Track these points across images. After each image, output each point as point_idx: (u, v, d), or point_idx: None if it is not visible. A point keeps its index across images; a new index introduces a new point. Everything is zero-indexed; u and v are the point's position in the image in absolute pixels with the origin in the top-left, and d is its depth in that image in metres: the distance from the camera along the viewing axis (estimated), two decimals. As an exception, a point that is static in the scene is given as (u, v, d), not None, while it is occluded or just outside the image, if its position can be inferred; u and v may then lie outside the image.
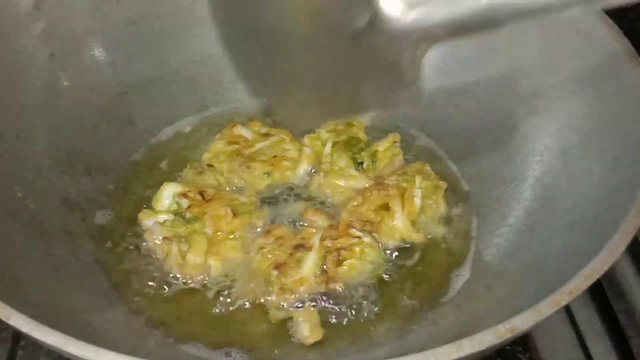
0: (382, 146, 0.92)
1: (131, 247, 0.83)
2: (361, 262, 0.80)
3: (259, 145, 0.91)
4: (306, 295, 0.78)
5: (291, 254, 0.79)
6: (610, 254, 0.59)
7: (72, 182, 0.86)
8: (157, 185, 0.88)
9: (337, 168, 0.89)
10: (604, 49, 0.78)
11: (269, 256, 0.79)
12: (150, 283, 0.80)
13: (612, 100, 0.77)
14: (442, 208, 0.88)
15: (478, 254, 0.84)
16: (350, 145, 0.91)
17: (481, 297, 0.78)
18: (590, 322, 0.84)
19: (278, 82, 0.83)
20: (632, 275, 0.88)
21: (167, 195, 0.84)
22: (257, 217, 0.85)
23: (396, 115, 1.00)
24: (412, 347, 0.73)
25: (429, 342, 0.68)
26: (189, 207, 0.83)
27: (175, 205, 0.83)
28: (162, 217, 0.82)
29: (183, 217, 0.82)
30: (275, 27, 0.74)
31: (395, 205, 0.84)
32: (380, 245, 0.83)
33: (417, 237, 0.84)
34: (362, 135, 0.94)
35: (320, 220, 0.85)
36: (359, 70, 0.71)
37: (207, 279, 0.80)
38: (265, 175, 0.89)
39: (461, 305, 0.78)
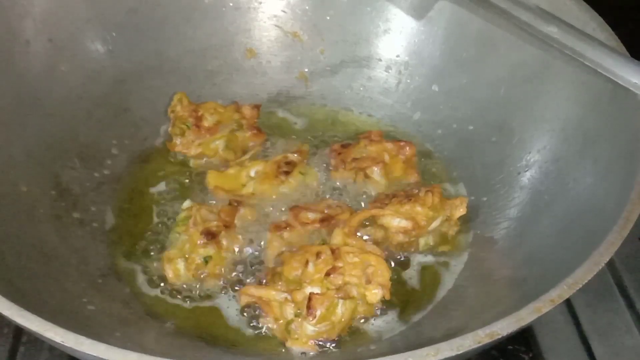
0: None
1: (121, 233, 0.84)
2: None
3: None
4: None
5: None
6: (594, 264, 0.58)
7: (64, 167, 0.86)
8: (150, 173, 0.90)
9: None
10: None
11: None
12: (141, 273, 0.80)
13: (606, 109, 0.77)
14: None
15: (469, 257, 0.84)
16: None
17: (469, 301, 0.78)
18: (594, 322, 0.84)
19: None
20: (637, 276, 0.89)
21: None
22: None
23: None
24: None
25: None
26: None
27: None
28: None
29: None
30: None
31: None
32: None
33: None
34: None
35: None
36: None
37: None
38: (218, 142, 0.91)
39: (449, 308, 0.78)
